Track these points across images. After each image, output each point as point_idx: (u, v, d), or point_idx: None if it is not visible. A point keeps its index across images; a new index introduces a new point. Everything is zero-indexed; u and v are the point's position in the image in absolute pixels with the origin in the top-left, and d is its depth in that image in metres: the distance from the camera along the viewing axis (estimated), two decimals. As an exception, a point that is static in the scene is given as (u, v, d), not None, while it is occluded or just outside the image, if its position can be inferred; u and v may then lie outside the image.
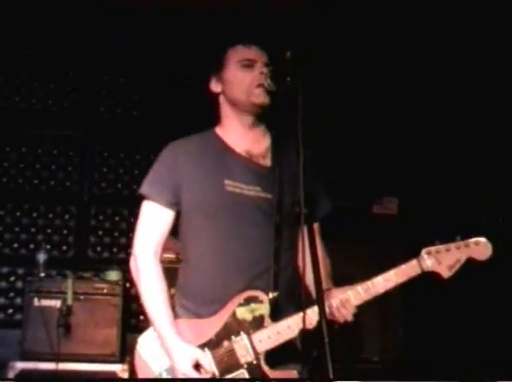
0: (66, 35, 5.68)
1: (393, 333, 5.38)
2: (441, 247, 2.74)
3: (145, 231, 3.00)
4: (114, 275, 5.24)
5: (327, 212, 3.04)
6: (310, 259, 2.46)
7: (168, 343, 2.80)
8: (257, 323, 2.75)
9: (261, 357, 2.72)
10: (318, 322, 2.38)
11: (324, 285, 2.83)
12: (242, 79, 2.91)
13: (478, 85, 5.30)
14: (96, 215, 5.92)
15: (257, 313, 2.73)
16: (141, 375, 2.88)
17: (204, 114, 6.25)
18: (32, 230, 5.81)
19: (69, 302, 4.91)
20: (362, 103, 5.86)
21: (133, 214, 5.92)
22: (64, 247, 5.83)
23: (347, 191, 5.89)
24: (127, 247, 5.89)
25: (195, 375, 2.72)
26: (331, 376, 2.22)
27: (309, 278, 2.52)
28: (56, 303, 4.90)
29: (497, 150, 5.20)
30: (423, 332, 5.39)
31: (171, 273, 5.18)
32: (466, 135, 5.44)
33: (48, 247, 5.71)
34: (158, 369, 2.86)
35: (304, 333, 2.59)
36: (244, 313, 2.74)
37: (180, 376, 2.75)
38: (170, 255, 5.25)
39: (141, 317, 5.67)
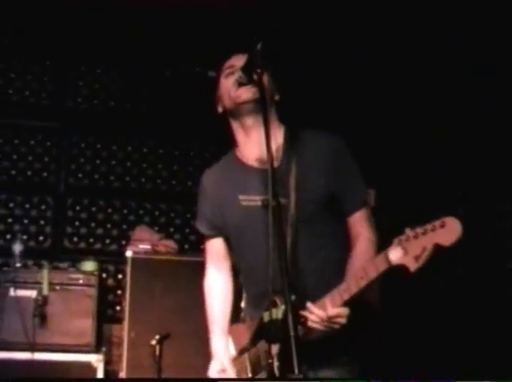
0: (43, 25, 5.65)
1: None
2: (410, 233, 2.49)
3: (208, 260, 3.22)
4: (89, 266, 5.27)
5: (363, 199, 2.99)
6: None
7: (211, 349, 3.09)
8: None
9: (275, 359, 2.71)
10: (283, 315, 2.45)
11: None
12: (225, 86, 3.00)
13: (450, 76, 5.34)
14: (73, 205, 5.92)
15: (274, 317, 2.70)
16: None
17: (180, 107, 6.29)
18: (9, 220, 5.79)
19: (45, 292, 4.93)
20: (338, 95, 5.89)
21: (110, 205, 5.99)
22: (41, 238, 5.81)
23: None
24: (104, 238, 5.91)
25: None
26: (297, 370, 2.26)
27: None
28: (32, 293, 4.92)
29: (473, 139, 5.23)
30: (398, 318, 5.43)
31: (148, 263, 5.26)
32: (442, 125, 5.47)
33: (25, 237, 5.71)
34: None
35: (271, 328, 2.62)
36: (267, 318, 2.74)
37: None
38: (146, 246, 5.32)
39: (117, 308, 5.70)
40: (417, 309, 5.37)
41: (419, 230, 2.47)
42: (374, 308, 2.89)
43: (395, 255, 2.51)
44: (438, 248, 2.43)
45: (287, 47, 5.18)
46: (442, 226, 2.43)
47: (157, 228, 5.83)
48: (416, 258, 2.45)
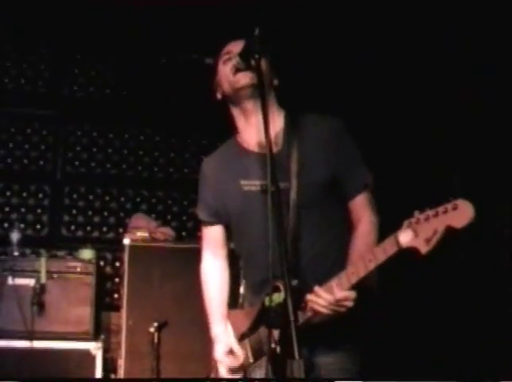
0: (39, 13, 5.63)
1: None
2: (420, 216, 2.44)
3: (204, 247, 3.24)
4: (87, 254, 5.27)
5: (365, 182, 2.95)
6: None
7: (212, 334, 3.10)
8: None
9: (278, 344, 2.70)
10: (283, 301, 2.43)
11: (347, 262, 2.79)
12: (223, 72, 2.99)
13: (450, 76, 5.33)
14: (70, 194, 5.92)
15: (274, 302, 2.67)
16: None
17: (176, 95, 6.26)
18: (6, 209, 5.79)
19: (43, 280, 4.94)
20: (335, 81, 5.87)
21: (107, 193, 5.99)
22: (38, 226, 5.82)
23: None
24: (101, 226, 5.92)
25: (225, 360, 2.95)
26: (297, 356, 2.25)
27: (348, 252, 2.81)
28: (30, 282, 4.92)
29: (473, 139, 5.23)
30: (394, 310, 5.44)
31: (146, 251, 5.27)
32: (442, 125, 5.45)
33: (23, 226, 5.72)
34: None
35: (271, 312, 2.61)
36: (268, 303, 2.73)
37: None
38: (143, 234, 5.32)
39: (115, 296, 5.72)
40: (415, 306, 5.39)
41: (430, 212, 2.41)
42: (373, 292, 2.87)
43: (405, 237, 2.46)
44: (449, 231, 2.38)
45: (287, 46, 5.16)
46: (454, 208, 2.37)
47: (154, 216, 5.83)
48: (427, 240, 2.40)
